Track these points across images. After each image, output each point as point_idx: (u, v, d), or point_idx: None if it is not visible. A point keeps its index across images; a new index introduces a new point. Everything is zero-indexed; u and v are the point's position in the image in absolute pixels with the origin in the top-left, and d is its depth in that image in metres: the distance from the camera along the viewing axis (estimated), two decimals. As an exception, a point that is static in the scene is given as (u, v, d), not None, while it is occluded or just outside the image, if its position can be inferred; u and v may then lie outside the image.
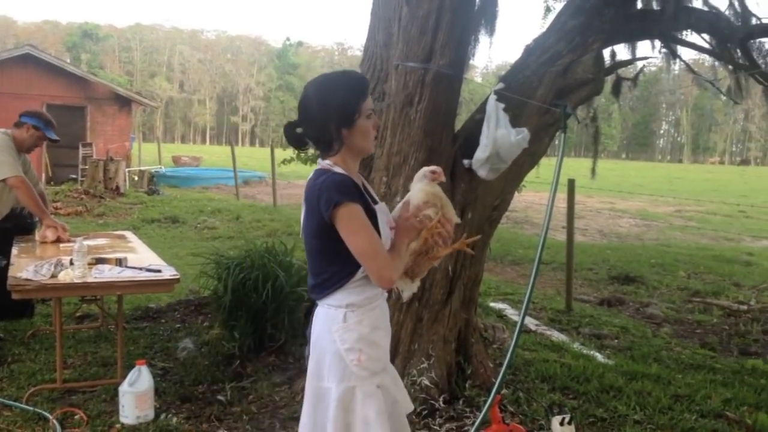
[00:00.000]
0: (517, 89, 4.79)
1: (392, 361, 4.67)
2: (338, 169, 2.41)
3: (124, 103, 23.91)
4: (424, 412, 4.45)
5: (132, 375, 4.31)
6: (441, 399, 4.54)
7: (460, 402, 4.62)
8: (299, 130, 2.50)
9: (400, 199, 4.68)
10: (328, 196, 2.31)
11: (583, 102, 5.02)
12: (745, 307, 8.59)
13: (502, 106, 4.45)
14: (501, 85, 4.54)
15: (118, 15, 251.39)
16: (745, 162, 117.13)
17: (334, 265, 2.44)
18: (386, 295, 2.63)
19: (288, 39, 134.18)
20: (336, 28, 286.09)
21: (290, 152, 7.15)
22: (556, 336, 6.82)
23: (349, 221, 2.33)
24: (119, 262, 4.69)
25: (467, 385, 4.79)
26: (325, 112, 2.41)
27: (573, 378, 5.35)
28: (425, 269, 2.65)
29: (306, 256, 2.57)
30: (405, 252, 2.51)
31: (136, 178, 21.48)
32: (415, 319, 4.76)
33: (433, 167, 2.62)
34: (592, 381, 5.31)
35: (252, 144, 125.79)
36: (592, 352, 6.24)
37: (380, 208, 2.52)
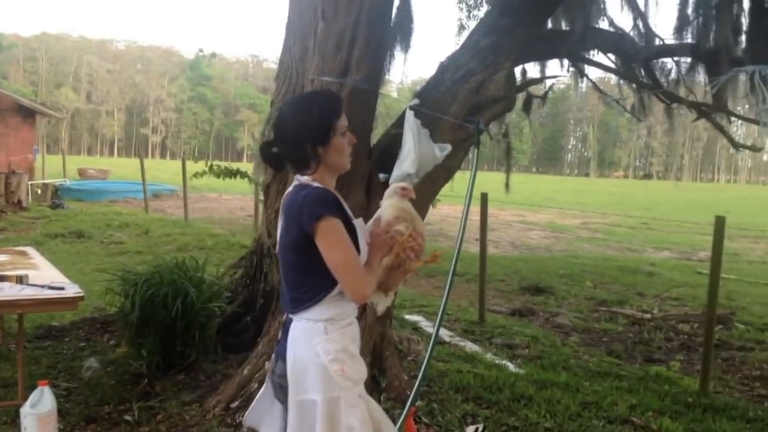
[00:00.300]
0: (432, 105, 4.85)
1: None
2: (317, 185, 2.44)
3: (27, 114, 22.98)
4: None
5: (34, 396, 4.11)
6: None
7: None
8: (275, 149, 2.54)
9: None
10: (310, 209, 2.34)
11: (495, 118, 5.13)
12: (648, 316, 8.90)
13: (419, 121, 4.49)
14: (416, 101, 4.58)
15: (24, 24, 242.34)
16: (647, 176, 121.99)
17: (313, 279, 2.44)
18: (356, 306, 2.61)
19: (201, 50, 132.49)
20: (250, 39, 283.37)
21: (202, 165, 7.03)
22: (470, 347, 6.91)
23: (328, 235, 2.35)
24: (20, 280, 4.49)
25: (382, 398, 4.80)
26: (300, 132, 2.45)
27: (486, 388, 5.43)
28: (398, 282, 2.71)
29: (281, 270, 2.58)
30: (378, 267, 2.54)
31: (40, 192, 20.63)
32: (330, 334, 4.74)
33: (403, 184, 2.70)
34: (504, 390, 5.40)
35: (163, 156, 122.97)
36: (504, 362, 6.34)
37: (358, 223, 2.53)
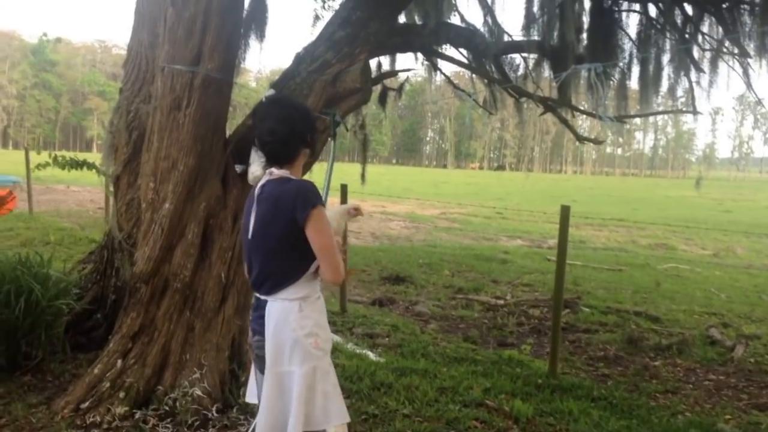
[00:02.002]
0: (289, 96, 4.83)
1: (162, 373, 4.54)
2: (296, 179, 2.80)
3: None
4: (197, 423, 4.34)
5: None
6: (214, 408, 4.45)
7: (234, 410, 4.55)
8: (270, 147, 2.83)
9: (168, 205, 4.54)
10: (305, 199, 2.67)
11: (352, 110, 5.17)
12: (502, 302, 9.28)
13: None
14: (271, 92, 4.53)
15: None
16: (501, 167, 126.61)
17: (291, 263, 2.75)
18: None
19: (45, 34, 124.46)
20: (98, 24, 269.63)
21: (45, 156, 6.61)
22: (331, 338, 6.93)
23: (319, 221, 2.68)
24: None
25: (242, 392, 4.74)
26: (294, 134, 2.79)
27: (347, 378, 5.47)
28: None
29: (256, 256, 2.84)
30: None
31: None
32: (186, 328, 4.64)
33: (356, 204, 3.14)
34: (364, 379, 5.47)
35: (5, 146, 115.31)
36: (364, 351, 6.42)
37: None
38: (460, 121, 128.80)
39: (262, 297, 2.85)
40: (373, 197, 22.10)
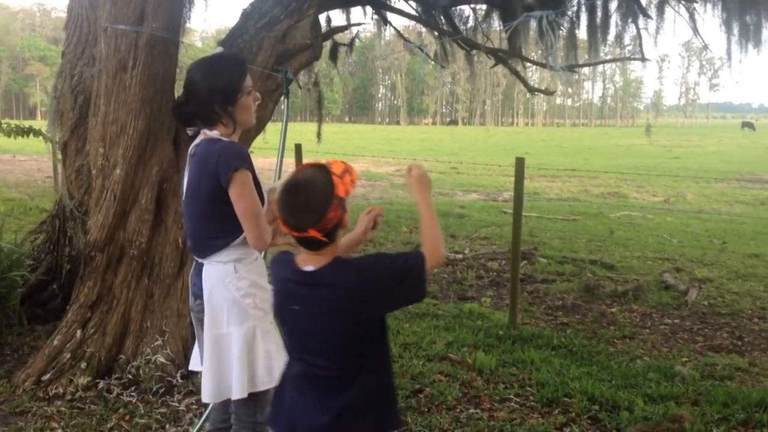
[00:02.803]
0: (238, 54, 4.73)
1: (123, 341, 4.49)
2: (226, 140, 2.72)
3: None
4: (162, 390, 4.33)
5: None
6: (179, 375, 4.42)
7: (199, 375, 4.52)
8: (186, 109, 2.79)
9: (119, 171, 4.45)
10: (227, 161, 2.59)
11: (303, 67, 5.09)
12: (460, 256, 9.34)
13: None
14: (219, 50, 4.44)
15: None
16: (453, 122, 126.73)
17: (223, 225, 2.69)
18: None
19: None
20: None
21: (-15, 126, 6.46)
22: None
23: (242, 185, 2.62)
24: None
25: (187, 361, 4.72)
26: (210, 94, 2.69)
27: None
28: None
29: (188, 218, 2.84)
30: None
31: None
32: (145, 295, 4.59)
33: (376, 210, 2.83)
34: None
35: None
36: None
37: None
38: (411, 76, 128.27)
39: (199, 260, 2.83)
40: (327, 156, 21.92)
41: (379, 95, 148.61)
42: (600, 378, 4.89)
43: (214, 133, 2.74)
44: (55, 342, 4.46)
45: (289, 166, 5.58)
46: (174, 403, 4.23)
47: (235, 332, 2.71)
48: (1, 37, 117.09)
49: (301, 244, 2.14)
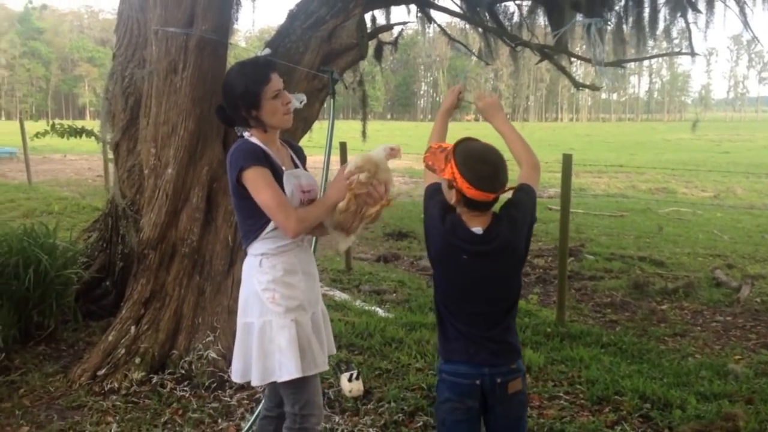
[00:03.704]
0: (285, 55, 4.78)
1: (175, 337, 4.58)
2: (253, 139, 2.82)
3: None
4: (213, 385, 4.41)
5: None
6: (230, 370, 4.48)
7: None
8: (224, 112, 2.92)
9: (171, 170, 4.53)
10: (234, 161, 2.72)
11: (349, 66, 5.12)
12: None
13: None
14: (267, 51, 4.48)
15: None
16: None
17: (250, 219, 2.81)
18: (306, 244, 3.00)
19: (30, 2, 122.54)
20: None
21: (44, 124, 6.60)
22: (339, 295, 6.99)
23: (253, 181, 2.70)
24: None
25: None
26: (235, 99, 2.80)
27: (357, 335, 5.53)
28: (358, 226, 2.91)
29: None
30: (323, 208, 2.82)
31: None
32: (197, 292, 4.67)
33: (392, 145, 2.88)
34: (375, 335, 5.53)
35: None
36: (373, 308, 6.47)
37: (292, 173, 2.88)
38: (453, 72, 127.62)
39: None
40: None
41: (421, 92, 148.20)
42: (651, 376, 4.84)
43: (247, 134, 2.87)
44: (110, 338, 4.57)
45: (335, 164, 5.64)
46: (226, 398, 4.31)
47: (255, 323, 2.82)
48: (51, 38, 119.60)
49: (481, 208, 2.45)
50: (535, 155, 2.75)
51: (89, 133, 6.61)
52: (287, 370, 2.76)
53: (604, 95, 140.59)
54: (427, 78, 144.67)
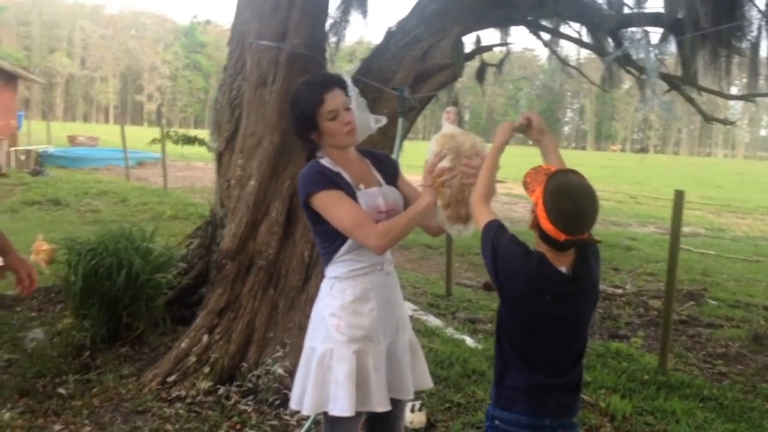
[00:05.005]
0: (377, 73, 4.72)
1: (246, 349, 4.56)
2: (323, 161, 2.75)
3: (9, 78, 22.60)
4: (277, 402, 4.34)
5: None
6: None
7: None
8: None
9: (254, 182, 4.54)
10: (302, 187, 2.69)
11: (442, 86, 4.98)
12: (620, 291, 8.81)
13: (357, 90, 4.35)
14: (353, 67, 4.44)
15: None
16: (644, 149, 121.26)
17: (324, 243, 2.75)
18: (386, 269, 2.80)
19: (195, 17, 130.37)
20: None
21: (157, 132, 6.88)
22: (432, 321, 6.82)
23: (323, 206, 2.64)
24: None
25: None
26: (293, 123, 2.82)
27: (438, 363, 5.34)
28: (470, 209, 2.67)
29: None
30: (412, 215, 2.65)
31: (23, 158, 20.42)
32: (270, 306, 4.65)
33: (447, 108, 2.76)
34: (455, 366, 5.32)
35: (159, 124, 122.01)
36: (462, 337, 6.25)
37: (368, 193, 2.74)
38: (601, 100, 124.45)
39: None
40: (499, 180, 21.63)
41: (566, 119, 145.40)
42: (746, 438, 4.38)
43: (320, 153, 2.81)
44: (183, 345, 4.62)
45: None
46: (286, 416, 4.24)
47: (318, 348, 2.71)
48: (212, 52, 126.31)
49: (560, 248, 2.27)
50: None
51: (201, 142, 6.83)
52: (340, 405, 2.61)
53: (763, 132, 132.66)
54: (573, 105, 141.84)
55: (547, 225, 2.21)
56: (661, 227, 17.11)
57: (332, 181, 2.68)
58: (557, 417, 2.34)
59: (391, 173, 2.93)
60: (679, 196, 5.60)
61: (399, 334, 2.84)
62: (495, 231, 2.38)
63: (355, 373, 2.62)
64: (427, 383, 2.99)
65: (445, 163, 2.61)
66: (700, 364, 6.17)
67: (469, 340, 6.16)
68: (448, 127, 2.68)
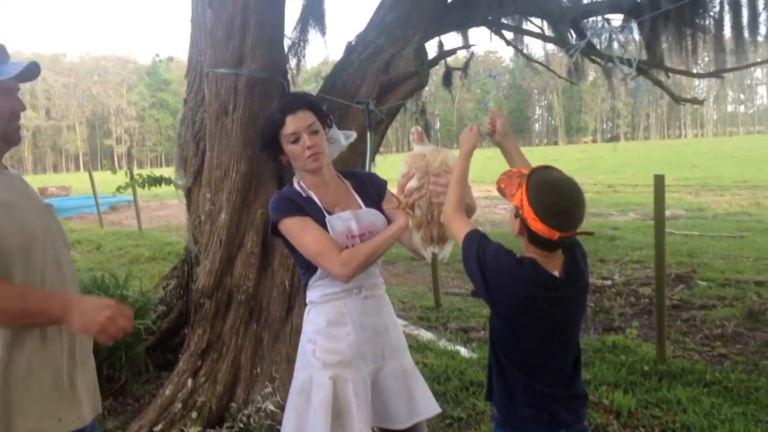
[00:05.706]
0: (341, 89, 4.59)
1: (234, 389, 4.38)
2: (296, 185, 2.70)
3: (-29, 136, 22.18)
4: (271, 440, 4.17)
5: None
6: (287, 425, 4.26)
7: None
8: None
9: (224, 215, 4.38)
10: (271, 213, 2.64)
11: (409, 96, 4.85)
12: (609, 282, 8.70)
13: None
14: (311, 87, 4.31)
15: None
16: (614, 138, 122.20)
17: (301, 268, 2.71)
18: (364, 293, 2.66)
19: (157, 55, 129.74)
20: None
21: (122, 176, 6.69)
22: (423, 335, 6.66)
23: (289, 233, 2.59)
24: None
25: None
26: (261, 147, 2.76)
27: (434, 378, 5.18)
28: (445, 229, 2.56)
29: None
30: (380, 241, 2.54)
31: (-6, 215, 20.03)
32: (254, 341, 4.47)
33: (412, 129, 2.69)
34: (452, 379, 5.17)
35: (128, 166, 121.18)
36: (456, 348, 6.11)
37: (339, 217, 2.63)
38: (567, 95, 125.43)
39: None
40: (480, 182, 21.61)
41: (536, 116, 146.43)
42: (757, 419, 4.28)
43: (295, 178, 2.75)
44: (167, 392, 4.42)
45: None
46: (282, 454, 4.07)
47: (299, 377, 2.66)
48: (176, 89, 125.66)
49: (547, 247, 2.15)
50: None
51: (167, 181, 6.63)
52: None
53: (730, 108, 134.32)
54: (542, 102, 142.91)
55: (537, 225, 2.08)
56: (641, 213, 17.11)
57: (299, 207, 2.61)
58: (571, 425, 2.24)
59: (374, 195, 2.80)
60: (660, 180, 5.51)
61: (387, 360, 2.70)
62: (478, 242, 2.23)
63: (330, 400, 2.52)
64: (433, 409, 2.82)
65: (413, 183, 2.51)
66: (698, 347, 6.07)
67: (463, 351, 6.01)
68: (417, 147, 2.59)
